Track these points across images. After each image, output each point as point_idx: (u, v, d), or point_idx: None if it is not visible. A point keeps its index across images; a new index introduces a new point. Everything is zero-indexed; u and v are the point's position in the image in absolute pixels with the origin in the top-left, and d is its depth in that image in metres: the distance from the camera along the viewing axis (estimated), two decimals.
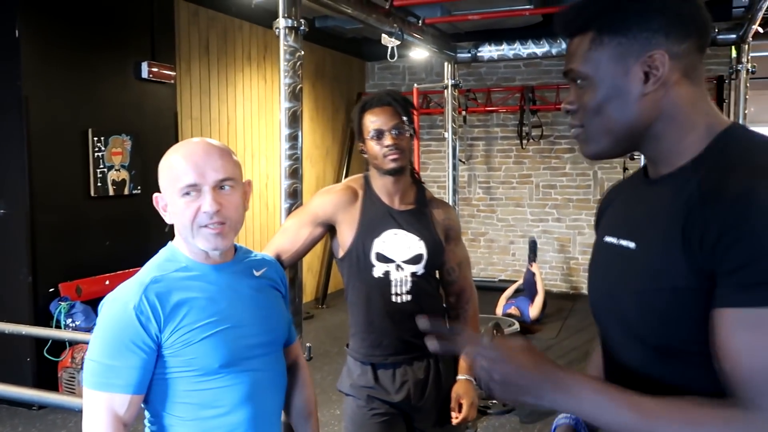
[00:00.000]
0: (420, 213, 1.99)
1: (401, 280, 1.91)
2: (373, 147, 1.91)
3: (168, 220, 1.35)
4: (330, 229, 1.97)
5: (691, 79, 0.97)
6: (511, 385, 0.94)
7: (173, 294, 1.30)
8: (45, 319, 4.09)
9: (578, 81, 1.01)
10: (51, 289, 4.19)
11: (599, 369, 1.17)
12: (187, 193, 1.29)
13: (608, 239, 1.07)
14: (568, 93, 1.05)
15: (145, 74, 4.74)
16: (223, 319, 1.32)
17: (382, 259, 1.91)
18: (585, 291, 7.62)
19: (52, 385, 4.05)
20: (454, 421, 1.95)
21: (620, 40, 0.96)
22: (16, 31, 3.96)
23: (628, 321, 0.98)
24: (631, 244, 0.99)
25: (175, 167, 1.31)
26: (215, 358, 1.30)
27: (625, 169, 6.74)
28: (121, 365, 1.25)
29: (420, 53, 5.30)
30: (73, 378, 4.06)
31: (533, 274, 6.40)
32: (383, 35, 3.48)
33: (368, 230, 1.92)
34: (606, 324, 1.07)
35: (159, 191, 1.36)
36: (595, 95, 0.98)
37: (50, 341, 4.01)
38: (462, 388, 1.96)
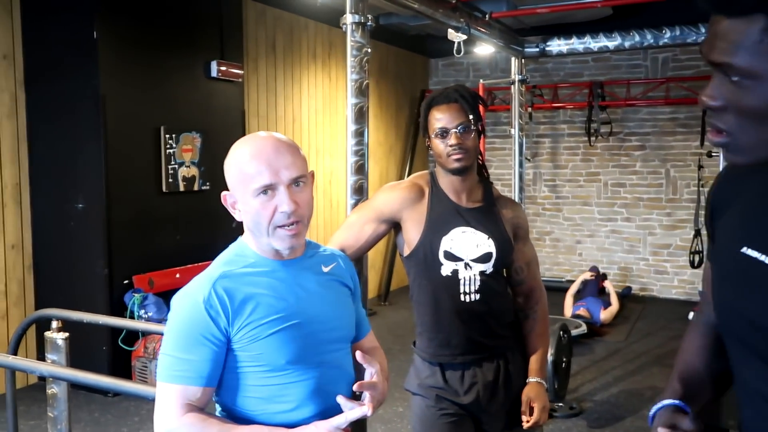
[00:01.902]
0: (488, 211, 1.94)
1: (470, 279, 1.86)
2: (438, 145, 1.87)
3: (238, 217, 1.34)
4: (394, 226, 1.94)
5: None
6: None
7: (241, 289, 1.30)
8: (119, 310, 4.25)
9: (740, 78, 0.82)
10: (125, 281, 4.36)
11: (692, 372, 1.12)
12: (263, 192, 1.28)
13: (751, 253, 0.90)
14: (710, 85, 0.86)
15: (214, 73, 4.87)
16: (291, 315, 1.31)
17: (450, 257, 1.86)
18: (656, 293, 7.37)
19: (126, 374, 4.21)
20: (525, 425, 1.88)
21: None
22: (95, 33, 4.13)
23: None
24: None
25: (247, 166, 1.27)
26: (282, 354, 1.29)
27: (700, 167, 6.44)
28: (192, 358, 1.26)
29: (486, 49, 5.22)
30: (146, 367, 4.21)
31: (605, 288, 6.31)
32: (449, 30, 3.44)
33: (436, 228, 1.88)
34: (744, 349, 0.94)
35: (226, 187, 1.34)
36: (765, 98, 0.81)
37: (124, 331, 4.17)
38: (533, 391, 1.90)
